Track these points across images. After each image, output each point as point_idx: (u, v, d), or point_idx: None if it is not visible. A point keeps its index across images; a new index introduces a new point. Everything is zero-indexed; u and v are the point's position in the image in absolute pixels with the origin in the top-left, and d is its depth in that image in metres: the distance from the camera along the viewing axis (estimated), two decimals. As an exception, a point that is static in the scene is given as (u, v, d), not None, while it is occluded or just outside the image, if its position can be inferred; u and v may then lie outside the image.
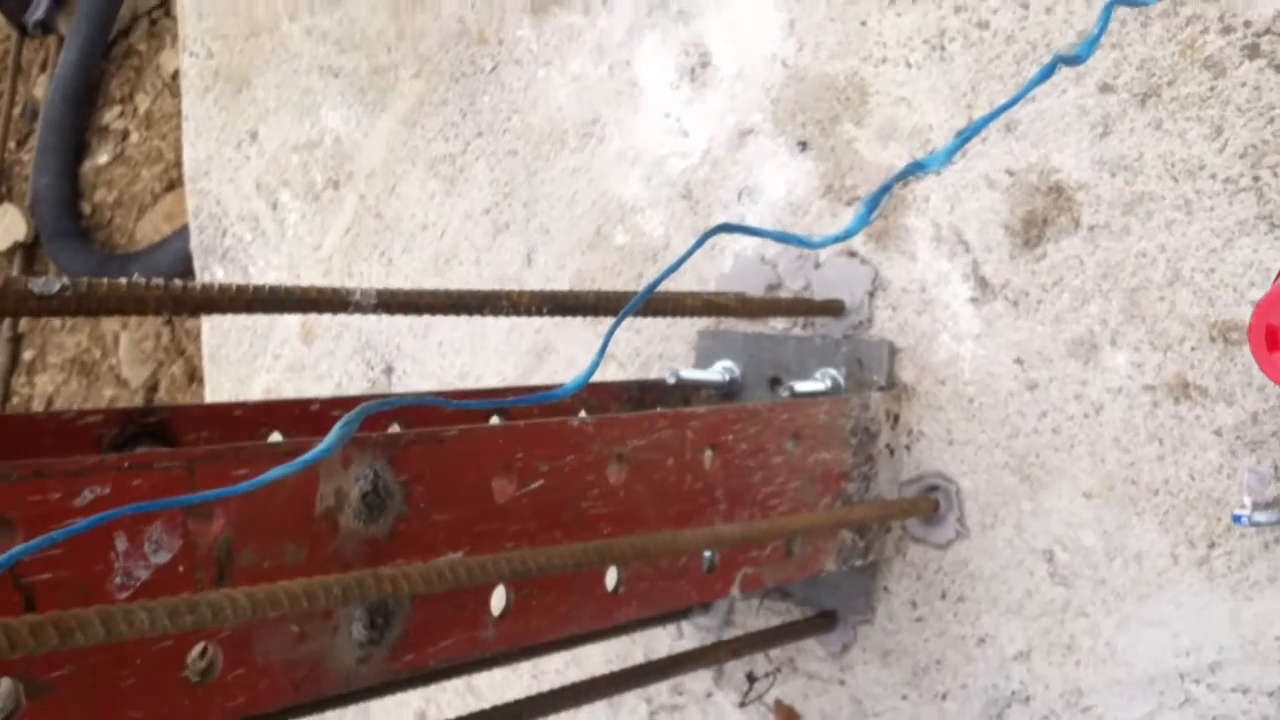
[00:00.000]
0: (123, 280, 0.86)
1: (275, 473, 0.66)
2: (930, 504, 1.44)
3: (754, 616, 1.59)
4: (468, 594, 0.99)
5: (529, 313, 1.16)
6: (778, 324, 1.57)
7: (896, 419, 1.47)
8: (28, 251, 3.25)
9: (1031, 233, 1.38)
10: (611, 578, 1.12)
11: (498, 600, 1.02)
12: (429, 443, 0.96)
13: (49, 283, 0.84)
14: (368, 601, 0.83)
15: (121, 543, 0.78)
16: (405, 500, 0.94)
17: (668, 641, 1.66)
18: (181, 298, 0.90)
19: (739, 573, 1.26)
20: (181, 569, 0.81)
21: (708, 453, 1.21)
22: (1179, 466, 1.30)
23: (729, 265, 1.61)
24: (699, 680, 1.63)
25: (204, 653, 0.83)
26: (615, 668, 1.68)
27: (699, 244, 0.84)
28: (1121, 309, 1.33)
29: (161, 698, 0.80)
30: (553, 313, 1.18)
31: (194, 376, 2.83)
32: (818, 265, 1.54)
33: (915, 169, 0.84)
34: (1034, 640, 1.40)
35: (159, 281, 0.88)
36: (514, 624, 1.03)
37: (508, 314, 1.15)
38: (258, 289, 0.94)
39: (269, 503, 0.86)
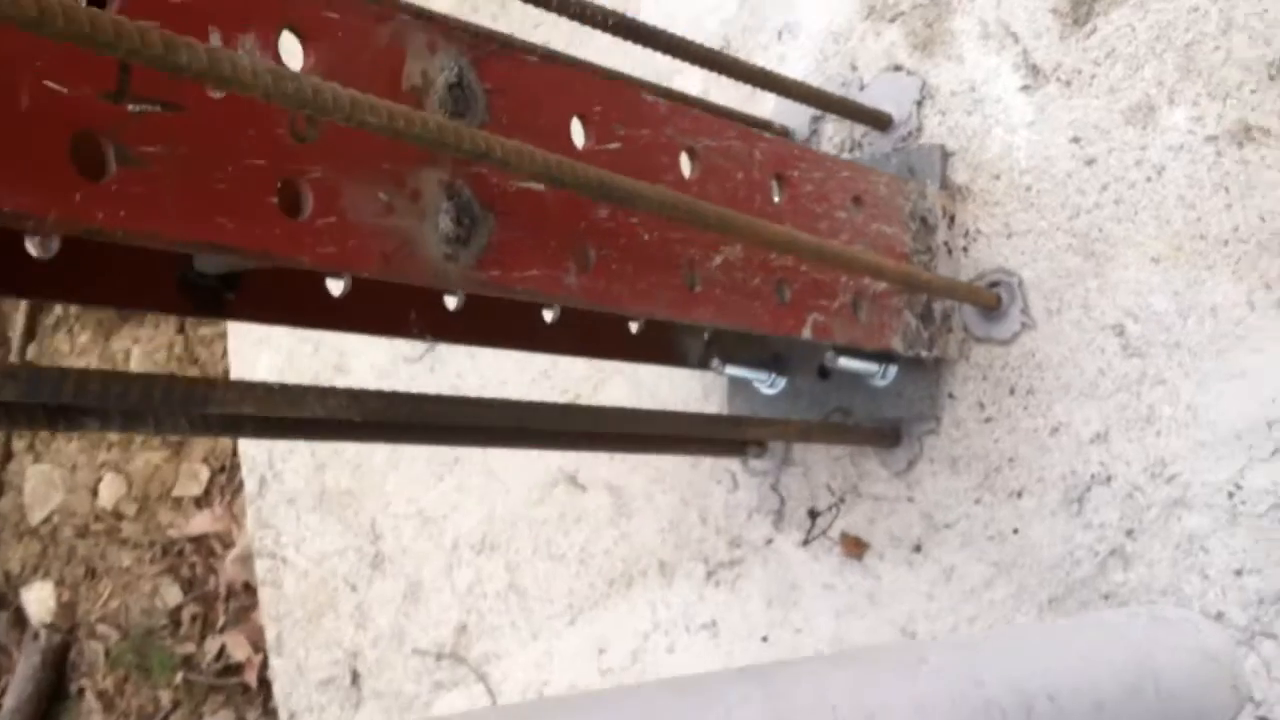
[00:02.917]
0: None
1: None
2: (993, 297, 1.41)
3: (812, 451, 1.54)
4: (550, 233, 0.96)
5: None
6: (824, 151, 1.56)
7: (953, 219, 1.45)
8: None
9: (1080, 10, 1.39)
10: (690, 278, 1.09)
11: (578, 258, 0.99)
12: (512, 57, 0.94)
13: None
14: (460, 149, 0.80)
15: (215, 42, 0.76)
16: (488, 109, 0.92)
17: (722, 495, 1.61)
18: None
19: (810, 316, 1.22)
20: (273, 92, 0.78)
21: (775, 183, 1.19)
22: (1248, 211, 1.28)
23: (772, 104, 1.61)
24: (756, 527, 1.58)
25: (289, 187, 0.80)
26: (668, 533, 1.63)
27: None
28: (1177, 66, 1.33)
29: (252, 217, 0.77)
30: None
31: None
32: (862, 87, 1.54)
33: None
34: (1110, 419, 1.35)
35: None
36: (595, 280, 0.99)
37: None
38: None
39: (356, 59, 0.84)
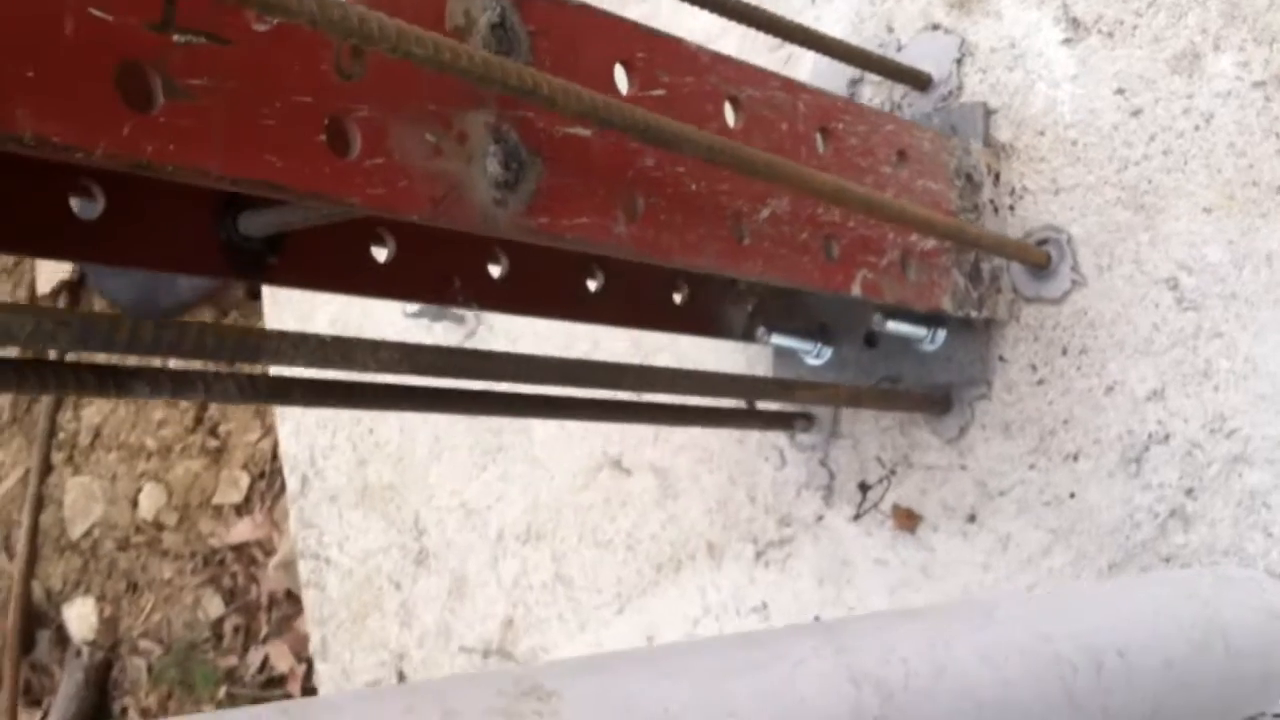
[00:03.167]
0: None
1: None
2: (1042, 255, 1.38)
3: (861, 423, 1.52)
4: (598, 180, 0.94)
5: None
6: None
7: (998, 177, 1.42)
8: (72, 289, 3.24)
9: (1120, -40, 1.36)
10: (738, 230, 1.07)
11: (626, 207, 0.97)
12: (554, 1, 0.92)
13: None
14: (507, 85, 0.78)
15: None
16: (531, 51, 0.90)
17: (770, 473, 1.58)
18: None
19: (859, 273, 1.20)
20: (317, 29, 0.77)
21: (819, 136, 1.17)
22: (1303, 154, 1.26)
23: (808, 70, 1.59)
24: (806, 504, 1.55)
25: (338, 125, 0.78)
26: (716, 513, 1.61)
27: None
28: (1220, 14, 1.30)
29: (301, 154, 0.75)
30: None
31: None
32: (900, 48, 1.52)
33: None
34: (1166, 375, 1.33)
35: None
36: (644, 230, 0.98)
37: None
38: None
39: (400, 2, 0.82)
